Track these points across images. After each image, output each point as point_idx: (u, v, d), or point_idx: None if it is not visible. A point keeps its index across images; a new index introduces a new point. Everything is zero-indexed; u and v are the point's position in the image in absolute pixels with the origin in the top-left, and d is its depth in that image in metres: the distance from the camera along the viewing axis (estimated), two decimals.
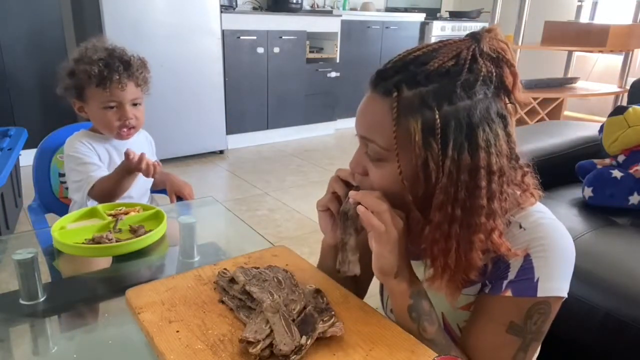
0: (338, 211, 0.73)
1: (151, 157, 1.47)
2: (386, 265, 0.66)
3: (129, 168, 1.20)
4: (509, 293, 0.66)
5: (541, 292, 0.65)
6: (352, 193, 0.68)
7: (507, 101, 0.65)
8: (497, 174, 0.63)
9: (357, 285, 0.86)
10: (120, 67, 1.25)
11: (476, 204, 0.62)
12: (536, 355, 0.73)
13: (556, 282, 0.66)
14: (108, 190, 1.25)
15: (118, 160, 1.35)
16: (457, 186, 0.62)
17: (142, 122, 1.35)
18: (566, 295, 0.67)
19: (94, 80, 1.23)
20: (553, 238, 0.67)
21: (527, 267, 0.66)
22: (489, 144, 0.62)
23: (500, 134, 0.63)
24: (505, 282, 0.67)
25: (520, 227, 0.67)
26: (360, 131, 0.69)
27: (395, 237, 0.65)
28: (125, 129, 1.30)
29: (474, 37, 0.64)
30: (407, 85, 0.63)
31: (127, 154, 1.19)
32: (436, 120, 0.61)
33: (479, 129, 0.61)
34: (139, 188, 1.40)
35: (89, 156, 1.30)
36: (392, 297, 0.70)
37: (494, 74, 0.63)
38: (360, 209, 0.65)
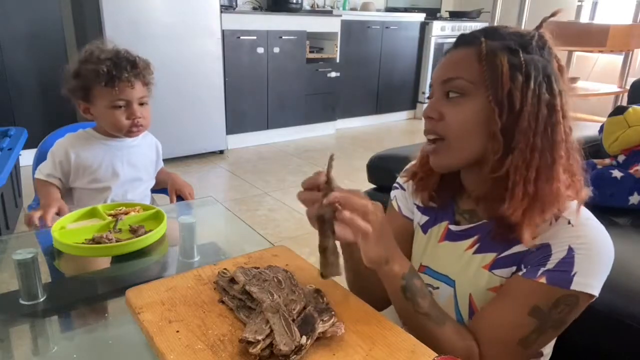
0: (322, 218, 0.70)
1: (153, 162, 1.46)
2: (375, 255, 0.69)
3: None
4: (543, 280, 0.68)
5: (575, 286, 0.67)
6: (333, 195, 0.67)
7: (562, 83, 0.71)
8: (568, 121, 0.70)
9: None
10: (127, 66, 1.25)
11: (556, 138, 0.69)
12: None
13: (591, 280, 0.68)
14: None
15: (109, 163, 1.33)
16: (538, 117, 0.69)
17: (149, 122, 1.34)
18: (597, 295, 0.69)
19: (102, 79, 1.23)
20: (598, 239, 0.70)
21: (568, 260, 0.68)
22: (562, 93, 0.70)
23: (566, 94, 0.70)
24: (541, 270, 0.69)
25: (569, 222, 0.71)
26: (443, 75, 0.74)
27: (379, 231, 0.68)
28: (135, 128, 1.30)
29: (535, 29, 0.73)
30: (490, 38, 0.71)
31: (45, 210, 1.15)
32: (520, 59, 0.69)
33: (553, 77, 0.69)
34: (139, 194, 1.39)
35: (52, 167, 1.32)
36: (384, 281, 0.73)
37: (553, 55, 0.71)
38: (345, 215, 0.65)
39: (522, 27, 3.04)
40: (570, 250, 0.68)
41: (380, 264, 0.70)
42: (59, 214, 1.15)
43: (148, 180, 1.44)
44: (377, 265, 0.70)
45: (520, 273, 0.72)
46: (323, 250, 0.68)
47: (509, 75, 0.68)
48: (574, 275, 0.67)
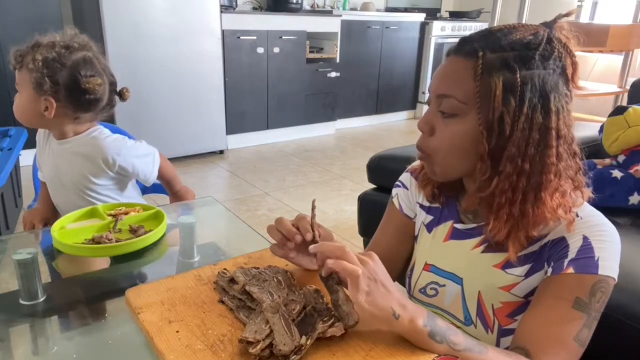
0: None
1: (83, 175, 1.25)
2: (375, 309, 0.62)
3: None
4: (570, 270, 0.69)
5: (602, 270, 0.68)
6: (310, 248, 0.66)
7: (566, 88, 0.71)
8: (564, 139, 0.70)
9: None
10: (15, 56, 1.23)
11: (546, 161, 0.69)
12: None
13: (613, 263, 0.69)
14: None
15: (44, 159, 1.30)
16: (528, 142, 0.68)
17: (16, 114, 1.24)
18: (617, 280, 0.70)
19: None
20: (608, 227, 0.72)
21: (587, 247, 0.69)
22: (559, 111, 0.69)
23: (565, 108, 0.70)
24: (566, 261, 0.70)
25: (577, 216, 0.72)
26: (438, 90, 0.73)
27: (367, 274, 0.62)
28: None
29: (547, 24, 0.71)
30: (490, 50, 0.69)
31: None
32: (517, 80, 0.67)
33: (552, 95, 0.68)
34: (68, 202, 1.29)
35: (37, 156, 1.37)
36: (405, 336, 0.65)
37: (563, 56, 0.70)
38: (329, 261, 0.63)
39: None
40: (586, 238, 0.70)
41: (389, 319, 0.62)
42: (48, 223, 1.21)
43: (72, 191, 1.27)
44: (387, 323, 0.63)
45: (548, 273, 0.72)
46: (335, 304, 0.66)
47: (501, 99, 0.67)
48: (598, 260, 0.68)
